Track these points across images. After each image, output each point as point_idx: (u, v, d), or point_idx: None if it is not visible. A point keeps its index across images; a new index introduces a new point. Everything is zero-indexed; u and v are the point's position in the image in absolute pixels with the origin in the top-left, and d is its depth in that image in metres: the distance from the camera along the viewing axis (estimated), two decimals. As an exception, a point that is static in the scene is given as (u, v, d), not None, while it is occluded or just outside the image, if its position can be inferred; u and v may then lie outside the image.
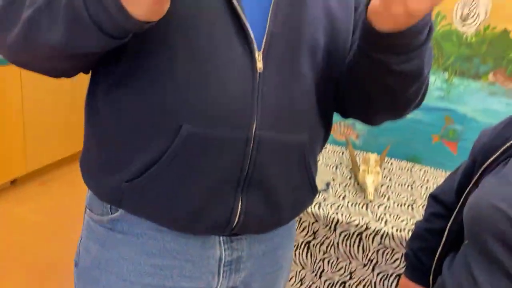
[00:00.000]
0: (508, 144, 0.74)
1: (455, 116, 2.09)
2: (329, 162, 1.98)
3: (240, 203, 0.69)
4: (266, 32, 0.64)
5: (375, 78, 0.65)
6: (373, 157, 1.76)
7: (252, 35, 0.63)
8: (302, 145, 0.72)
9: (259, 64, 0.64)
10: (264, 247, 0.81)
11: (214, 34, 0.62)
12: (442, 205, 0.95)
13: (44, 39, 0.53)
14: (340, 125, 2.26)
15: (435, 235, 0.91)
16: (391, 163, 2.11)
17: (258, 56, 0.64)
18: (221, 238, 0.75)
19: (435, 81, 2.08)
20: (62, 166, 3.33)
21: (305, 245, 1.49)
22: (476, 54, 1.99)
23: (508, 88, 1.99)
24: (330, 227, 1.45)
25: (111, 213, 0.72)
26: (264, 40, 0.64)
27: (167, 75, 0.62)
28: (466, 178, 0.84)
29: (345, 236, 1.44)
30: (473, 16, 1.95)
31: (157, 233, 0.72)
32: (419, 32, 0.57)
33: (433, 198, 0.98)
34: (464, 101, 2.06)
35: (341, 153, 2.12)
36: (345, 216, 1.46)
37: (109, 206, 0.72)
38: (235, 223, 0.70)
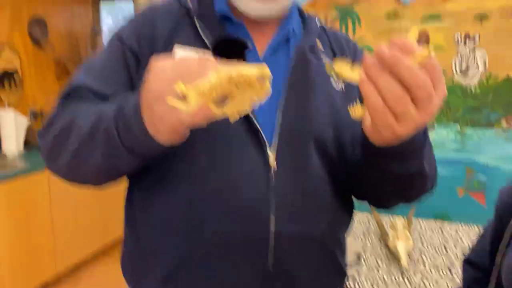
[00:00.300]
0: None
1: (476, 166, 2.06)
2: (357, 232, 1.92)
3: None
4: (276, 130, 0.69)
5: (378, 179, 0.67)
6: (400, 221, 1.71)
7: (263, 135, 0.68)
8: (322, 233, 0.73)
9: (272, 161, 0.68)
10: None
11: (230, 140, 0.67)
12: (478, 269, 0.90)
13: (88, 165, 0.65)
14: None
15: None
16: (420, 225, 2.04)
17: (271, 153, 0.68)
18: None
19: (448, 134, 2.08)
20: (89, 265, 3.30)
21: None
22: (483, 103, 2.01)
23: (524, 132, 1.97)
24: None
25: None
26: (275, 138, 0.68)
27: (189, 180, 0.68)
28: (497, 238, 0.81)
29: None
30: (472, 69, 2.01)
31: None
32: (412, 141, 0.58)
33: (468, 263, 0.94)
34: (482, 150, 2.04)
35: (367, 221, 2.07)
36: (383, 288, 1.39)
37: None
38: None
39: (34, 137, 2.55)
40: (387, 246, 1.73)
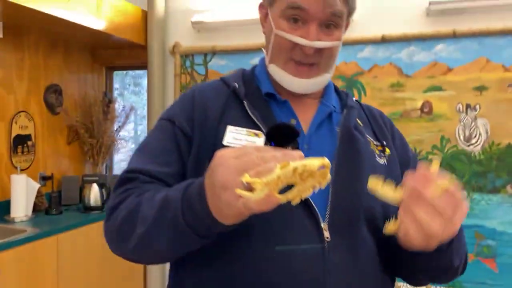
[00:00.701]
0: None
1: (484, 232, 2.08)
2: None
3: None
4: (328, 205, 0.73)
5: (409, 268, 0.76)
6: None
7: (317, 210, 0.72)
8: None
9: (326, 234, 0.71)
10: None
11: (285, 216, 0.70)
12: None
13: (154, 249, 0.69)
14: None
15: None
16: None
17: (324, 226, 0.71)
18: None
19: (455, 199, 2.12)
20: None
21: None
22: (488, 169, 2.08)
23: (530, 198, 2.03)
24: None
25: None
26: (327, 212, 0.72)
27: (242, 253, 0.70)
28: None
29: None
30: (475, 136, 2.10)
31: None
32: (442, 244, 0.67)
33: None
34: (490, 216, 2.07)
35: None
36: None
37: None
38: None
39: (43, 201, 2.54)
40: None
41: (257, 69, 0.89)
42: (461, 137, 2.12)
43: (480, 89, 2.08)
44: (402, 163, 0.86)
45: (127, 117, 2.92)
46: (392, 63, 2.20)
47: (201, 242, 0.66)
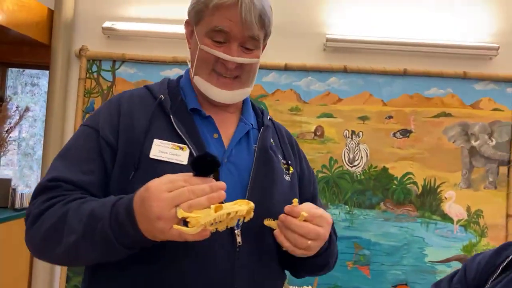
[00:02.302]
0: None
1: (362, 242, 2.39)
2: None
3: None
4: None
5: (297, 266, 0.96)
6: None
7: None
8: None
9: (238, 239, 0.82)
10: None
11: None
12: None
13: (81, 258, 0.76)
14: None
15: None
16: None
17: (238, 233, 0.83)
18: None
19: (339, 213, 2.40)
20: None
21: None
22: (367, 188, 2.41)
23: (397, 214, 2.39)
24: None
25: None
26: (241, 221, 0.82)
27: (159, 254, 0.78)
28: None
29: None
30: (358, 159, 2.41)
31: None
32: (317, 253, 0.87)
33: None
34: (367, 228, 2.39)
35: None
36: None
37: None
38: None
39: None
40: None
41: (182, 81, 0.95)
42: (346, 159, 2.42)
43: (363, 118, 2.41)
44: (304, 178, 1.01)
45: (20, 118, 2.73)
46: (292, 89, 2.43)
47: (130, 252, 0.73)
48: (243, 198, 0.83)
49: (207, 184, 0.68)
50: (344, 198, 2.41)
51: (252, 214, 0.72)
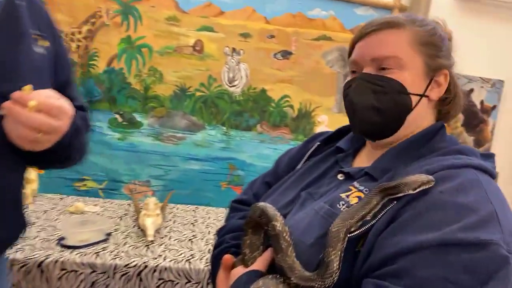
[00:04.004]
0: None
1: (237, 163, 2.39)
2: (113, 215, 1.99)
3: None
4: None
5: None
6: (152, 201, 1.90)
7: None
8: None
9: None
10: None
11: None
12: (244, 204, 1.06)
13: None
14: (135, 182, 2.28)
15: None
16: (177, 208, 2.25)
17: None
18: None
19: (216, 134, 2.34)
20: None
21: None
22: (244, 109, 2.35)
23: (273, 136, 2.40)
24: (109, 274, 1.49)
25: None
26: None
27: None
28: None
29: (125, 279, 1.49)
30: (237, 79, 2.32)
31: None
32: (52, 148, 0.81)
33: (234, 201, 1.09)
34: (242, 150, 2.38)
35: (127, 205, 2.15)
36: (124, 260, 1.52)
37: None
38: None
39: None
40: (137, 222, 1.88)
41: None
42: (226, 78, 2.30)
43: (245, 35, 2.28)
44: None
45: None
46: (170, -5, 2.18)
47: None
48: None
49: None
50: (222, 119, 2.33)
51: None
